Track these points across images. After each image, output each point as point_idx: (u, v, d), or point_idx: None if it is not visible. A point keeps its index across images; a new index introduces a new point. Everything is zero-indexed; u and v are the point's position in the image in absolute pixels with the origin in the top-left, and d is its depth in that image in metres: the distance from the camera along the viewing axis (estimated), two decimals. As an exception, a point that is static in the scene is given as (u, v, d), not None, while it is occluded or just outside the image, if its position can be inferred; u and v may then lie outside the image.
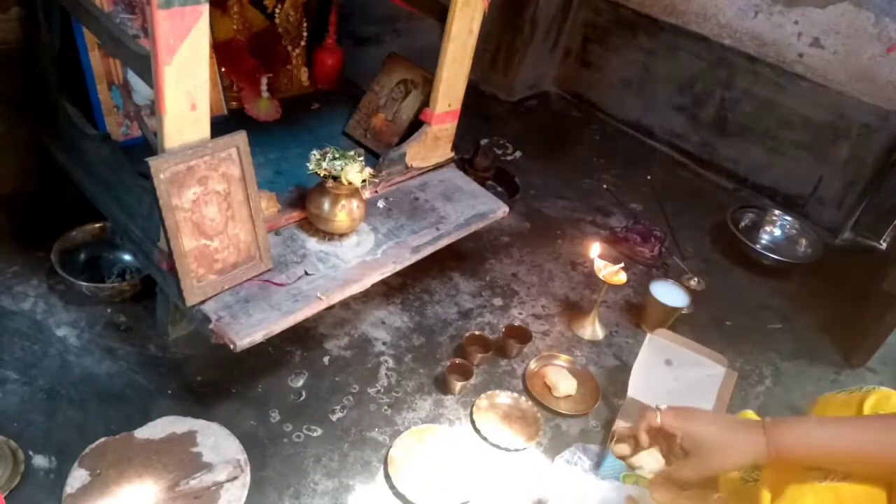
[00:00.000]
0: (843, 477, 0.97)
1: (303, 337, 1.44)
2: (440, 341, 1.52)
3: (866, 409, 1.01)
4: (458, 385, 1.38)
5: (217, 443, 1.18)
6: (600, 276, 1.56)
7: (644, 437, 1.04)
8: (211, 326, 1.13)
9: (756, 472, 1.20)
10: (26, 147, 1.55)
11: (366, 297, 1.55)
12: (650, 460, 1.29)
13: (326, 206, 1.32)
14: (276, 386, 1.33)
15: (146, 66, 1.01)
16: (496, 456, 1.30)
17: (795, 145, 2.26)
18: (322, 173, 1.29)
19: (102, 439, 1.15)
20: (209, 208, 1.13)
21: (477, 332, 1.50)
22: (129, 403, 1.24)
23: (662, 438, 1.03)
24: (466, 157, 1.97)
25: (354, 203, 1.34)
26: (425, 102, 1.57)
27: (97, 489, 1.08)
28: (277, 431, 1.25)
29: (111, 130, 1.42)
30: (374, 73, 1.72)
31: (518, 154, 2.34)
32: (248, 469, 1.15)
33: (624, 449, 1.25)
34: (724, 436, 0.97)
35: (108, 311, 1.40)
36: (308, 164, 1.30)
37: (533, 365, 1.49)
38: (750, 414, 1.33)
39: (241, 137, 1.14)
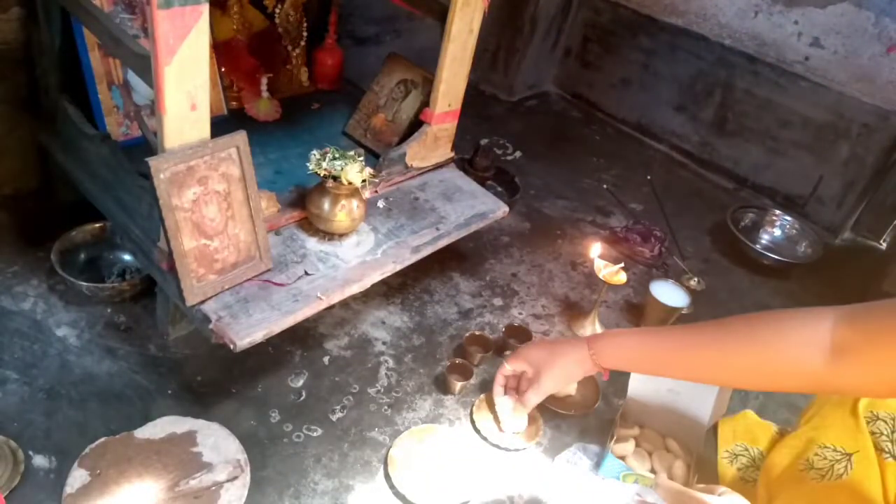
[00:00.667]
0: (839, 476, 0.98)
1: (303, 337, 1.44)
2: (440, 341, 1.53)
3: (861, 409, 1.01)
4: (458, 385, 1.38)
5: (217, 443, 1.18)
6: (600, 276, 1.56)
7: (497, 391, 1.24)
8: (211, 326, 1.13)
9: (755, 471, 1.20)
10: (26, 147, 1.55)
11: (366, 297, 1.55)
12: (640, 461, 1.29)
13: (326, 206, 1.32)
14: (276, 386, 1.33)
15: (146, 66, 1.01)
16: (496, 456, 1.30)
17: (795, 145, 2.26)
18: (322, 173, 1.29)
19: (102, 439, 1.15)
20: (209, 208, 1.13)
21: (477, 332, 1.50)
22: (129, 403, 1.24)
23: (517, 382, 1.22)
24: (466, 157, 1.97)
25: (354, 203, 1.34)
26: (425, 102, 1.57)
27: (97, 489, 1.08)
28: (277, 431, 1.25)
29: (111, 130, 1.42)
30: (374, 73, 1.72)
31: (518, 154, 2.35)
32: (248, 469, 1.15)
33: (623, 449, 1.25)
34: (553, 356, 1.11)
35: (108, 311, 1.40)
36: (308, 164, 1.30)
37: (533, 365, 1.49)
38: (751, 414, 1.33)
39: (241, 137, 1.14)
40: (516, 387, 1.23)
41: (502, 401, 1.26)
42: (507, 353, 1.21)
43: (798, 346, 0.84)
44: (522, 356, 1.17)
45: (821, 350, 0.82)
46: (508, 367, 1.19)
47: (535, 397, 1.16)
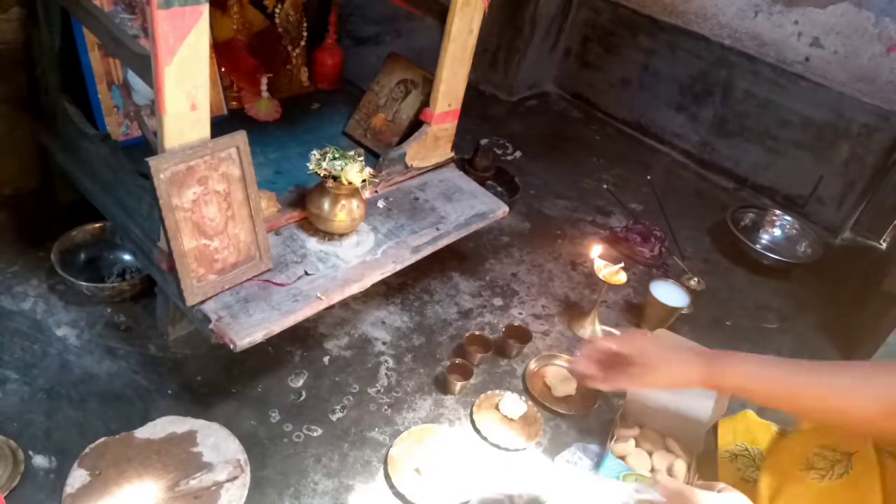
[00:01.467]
0: (839, 475, 0.98)
1: (303, 337, 1.44)
2: (440, 341, 1.52)
3: None
4: (458, 385, 1.38)
5: (217, 443, 1.18)
6: (600, 276, 1.56)
7: (600, 351, 1.07)
8: (211, 326, 1.13)
9: (756, 471, 1.20)
10: (26, 147, 1.55)
11: (366, 297, 1.55)
12: (640, 461, 1.29)
13: (326, 205, 1.32)
14: (276, 386, 1.33)
15: (146, 66, 1.01)
16: (496, 456, 1.30)
17: (795, 145, 2.26)
18: (322, 173, 1.29)
19: (102, 439, 1.15)
20: (209, 208, 1.13)
21: (477, 332, 1.50)
22: (129, 403, 1.24)
23: (612, 363, 1.05)
24: (466, 157, 1.97)
25: (354, 203, 1.34)
26: (425, 102, 1.57)
27: (97, 489, 1.08)
28: (277, 431, 1.25)
29: (111, 130, 1.42)
30: (374, 73, 1.72)
31: (518, 154, 2.35)
32: (248, 469, 1.15)
33: (623, 449, 1.25)
34: (671, 356, 1.02)
35: (108, 311, 1.40)
36: (308, 164, 1.30)
37: (533, 365, 1.49)
38: (751, 414, 1.33)
39: (241, 137, 1.14)
40: (601, 362, 1.08)
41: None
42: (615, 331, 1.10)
43: None
44: (637, 344, 1.04)
45: None
46: (614, 347, 1.06)
47: (630, 384, 1.07)
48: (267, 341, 1.16)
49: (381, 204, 1.50)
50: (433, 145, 1.60)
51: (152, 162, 1.03)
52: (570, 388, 1.44)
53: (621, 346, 1.05)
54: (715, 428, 1.34)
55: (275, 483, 1.16)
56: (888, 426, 0.85)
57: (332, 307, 1.31)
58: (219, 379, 1.32)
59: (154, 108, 1.05)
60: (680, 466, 1.27)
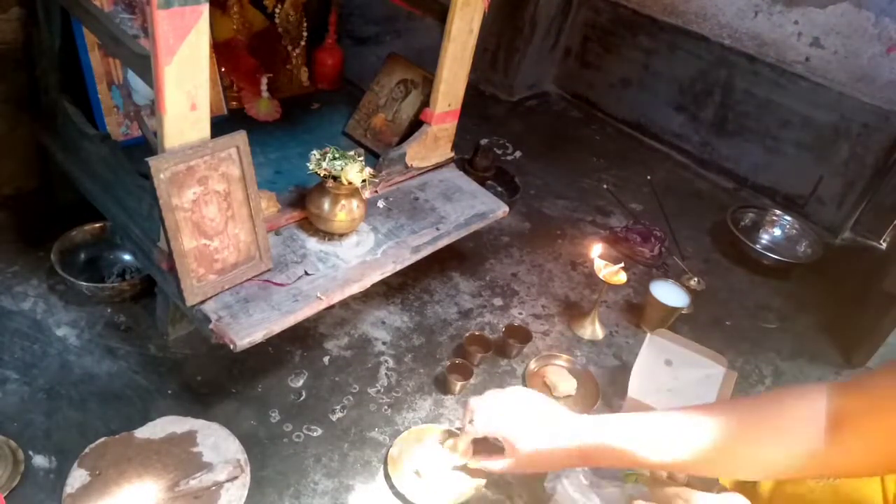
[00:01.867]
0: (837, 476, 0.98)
1: (303, 337, 1.44)
2: (440, 341, 1.52)
3: None
4: (458, 385, 1.38)
5: (217, 443, 1.18)
6: (600, 276, 1.56)
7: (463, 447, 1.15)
8: (211, 326, 1.13)
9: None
10: (26, 147, 1.55)
11: (366, 297, 1.55)
12: None
13: (326, 205, 1.32)
14: (276, 386, 1.33)
15: (146, 66, 1.01)
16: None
17: (795, 145, 2.26)
18: (322, 173, 1.29)
19: (102, 439, 1.15)
20: (209, 208, 1.13)
21: (477, 332, 1.50)
22: (129, 403, 1.24)
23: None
24: (466, 157, 1.97)
25: (354, 203, 1.34)
26: (425, 102, 1.57)
27: (97, 489, 1.08)
28: (277, 431, 1.25)
29: (111, 130, 1.42)
30: (374, 73, 1.72)
31: (518, 154, 2.35)
32: (248, 469, 1.15)
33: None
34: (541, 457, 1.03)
35: (108, 311, 1.40)
36: (308, 164, 1.30)
37: (533, 365, 1.49)
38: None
39: (241, 137, 1.14)
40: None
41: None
42: (472, 414, 1.10)
43: (796, 422, 0.81)
44: (493, 429, 1.08)
45: (817, 425, 0.79)
46: (476, 430, 1.11)
47: (508, 470, 1.09)
48: (267, 341, 1.16)
49: (381, 204, 1.50)
50: (433, 145, 1.60)
51: (152, 162, 1.03)
52: (570, 387, 1.44)
53: (485, 431, 1.10)
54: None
55: (275, 483, 1.16)
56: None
57: (332, 307, 1.31)
58: (219, 379, 1.32)
59: (154, 108, 1.05)
60: (680, 466, 1.27)
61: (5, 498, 1.05)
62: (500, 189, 2.04)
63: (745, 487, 1.18)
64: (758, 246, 2.03)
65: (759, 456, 0.83)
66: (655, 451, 0.92)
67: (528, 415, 1.06)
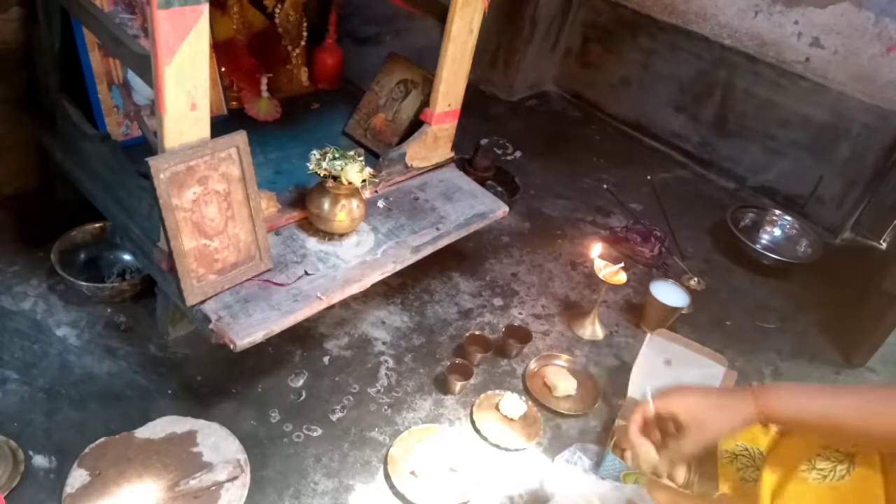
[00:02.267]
0: (841, 477, 0.97)
1: (303, 337, 1.44)
2: (440, 341, 1.52)
3: None
4: (458, 385, 1.38)
5: (217, 443, 1.18)
6: (600, 276, 1.56)
7: (635, 432, 1.03)
8: (211, 326, 1.13)
9: (756, 471, 1.20)
10: (26, 147, 1.55)
11: (366, 297, 1.55)
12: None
13: (326, 205, 1.32)
14: (276, 386, 1.33)
15: (146, 66, 1.01)
16: (496, 456, 1.30)
17: (795, 145, 2.26)
18: (322, 173, 1.29)
19: (102, 439, 1.15)
20: (209, 208, 1.13)
21: (477, 332, 1.50)
22: (129, 403, 1.24)
23: (655, 427, 1.04)
24: (466, 157, 1.97)
25: (354, 203, 1.34)
26: (425, 102, 1.57)
27: (97, 489, 1.08)
28: (277, 431, 1.25)
29: (111, 130, 1.42)
30: (374, 73, 1.72)
31: (518, 154, 2.35)
32: (248, 469, 1.15)
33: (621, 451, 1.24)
34: (714, 403, 1.00)
35: (108, 311, 1.40)
36: (308, 164, 1.30)
37: (533, 365, 1.49)
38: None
39: (241, 137, 1.14)
40: (653, 430, 1.06)
41: (643, 443, 1.03)
42: (649, 394, 1.02)
43: None
44: (677, 401, 1.02)
45: None
46: (652, 408, 1.03)
47: (692, 448, 1.01)
48: (267, 341, 1.16)
49: (381, 204, 1.50)
50: (433, 145, 1.60)
51: (152, 162, 1.03)
52: (570, 387, 1.44)
53: (661, 409, 1.03)
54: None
55: (275, 483, 1.16)
56: None
57: (332, 307, 1.31)
58: (219, 379, 1.32)
59: (154, 108, 1.05)
60: (680, 466, 1.27)
61: (5, 498, 1.05)
62: (500, 189, 2.03)
63: (747, 488, 1.18)
64: (758, 246, 2.03)
65: None
66: (839, 407, 0.95)
67: (707, 394, 1.05)
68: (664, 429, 1.04)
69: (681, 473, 1.25)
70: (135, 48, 1.06)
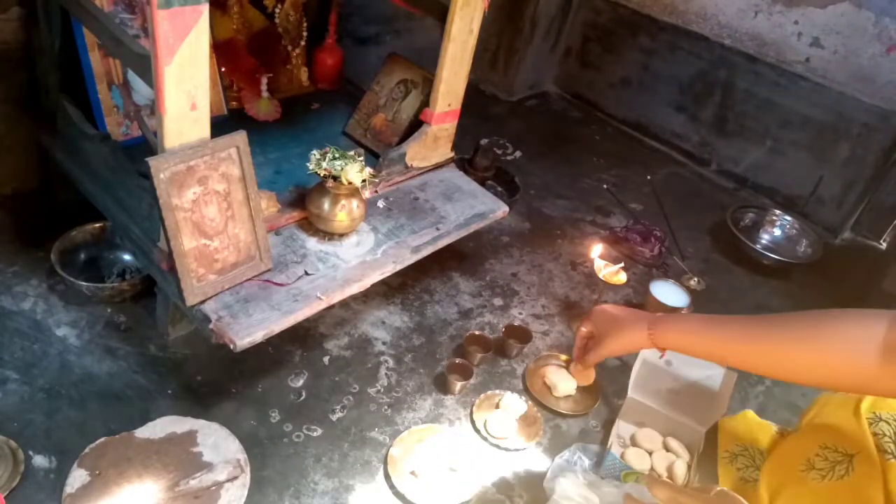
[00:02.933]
0: (840, 477, 0.98)
1: (303, 337, 1.44)
2: (440, 341, 1.52)
3: (863, 410, 1.01)
4: (458, 385, 1.38)
5: (217, 442, 1.18)
6: (600, 276, 1.56)
7: (580, 338, 1.25)
8: (211, 326, 1.13)
9: (755, 471, 1.20)
10: (26, 147, 1.55)
11: (366, 297, 1.55)
12: (637, 458, 1.30)
13: (326, 205, 1.32)
14: (276, 386, 1.33)
15: (146, 66, 1.01)
16: (496, 456, 1.30)
17: (795, 145, 2.26)
18: (322, 173, 1.29)
19: (102, 439, 1.15)
20: (209, 208, 1.13)
21: (477, 332, 1.50)
22: (129, 403, 1.24)
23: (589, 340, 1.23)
24: (466, 157, 1.97)
25: (354, 203, 1.34)
26: (425, 102, 1.57)
27: (97, 489, 1.08)
28: (277, 431, 1.25)
29: (111, 130, 1.42)
30: (374, 73, 1.72)
31: (518, 154, 2.35)
32: (248, 469, 1.15)
33: (623, 448, 1.24)
34: (616, 325, 1.14)
35: (108, 311, 1.40)
36: (308, 164, 1.30)
37: (533, 365, 1.50)
38: (751, 414, 1.33)
39: (241, 137, 1.14)
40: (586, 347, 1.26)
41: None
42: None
43: (853, 342, 0.85)
44: (592, 318, 1.21)
45: (875, 349, 0.83)
46: (583, 329, 1.23)
47: (592, 357, 1.20)
48: (267, 341, 1.16)
49: (381, 204, 1.50)
50: (433, 145, 1.60)
51: (152, 162, 1.03)
52: (570, 387, 1.44)
53: (587, 325, 1.22)
54: (715, 428, 1.34)
55: (275, 483, 1.16)
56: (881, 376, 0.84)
57: (332, 307, 1.31)
58: (219, 379, 1.32)
59: (154, 108, 1.05)
60: (680, 466, 1.27)
61: (5, 498, 1.05)
62: (500, 189, 2.03)
63: (746, 488, 1.18)
64: (758, 246, 2.03)
65: (819, 361, 0.88)
66: (724, 332, 1.00)
67: (615, 312, 1.19)
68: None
69: (680, 472, 1.26)
70: (135, 48, 1.06)
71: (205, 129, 1.09)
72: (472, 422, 1.34)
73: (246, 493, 1.12)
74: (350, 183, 1.29)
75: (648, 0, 2.49)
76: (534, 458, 1.31)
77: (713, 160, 2.47)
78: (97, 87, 1.39)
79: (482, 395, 1.39)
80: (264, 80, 1.67)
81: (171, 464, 1.13)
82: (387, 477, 1.21)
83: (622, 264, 1.59)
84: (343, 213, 1.32)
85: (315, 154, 1.30)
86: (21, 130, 1.52)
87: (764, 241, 2.11)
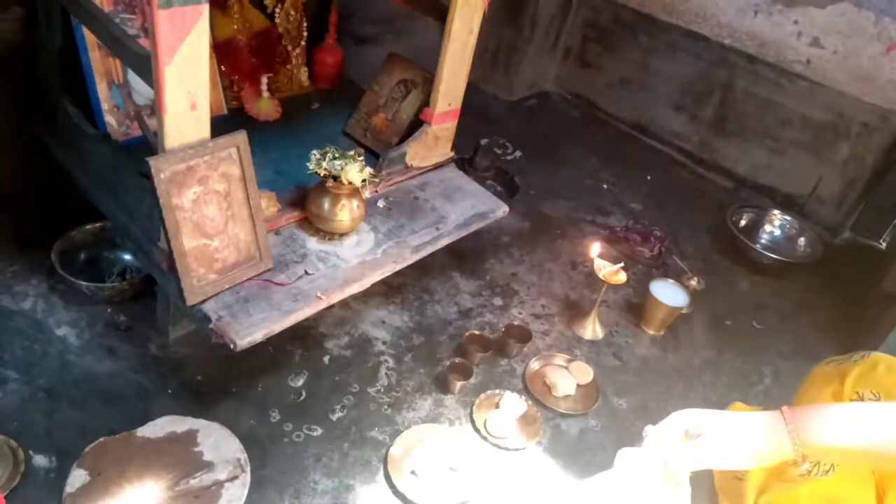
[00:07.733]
0: (825, 472, 0.97)
1: (303, 336, 1.44)
2: (440, 341, 1.53)
3: (848, 385, 1.01)
4: (458, 385, 1.38)
5: (217, 442, 1.18)
6: (600, 275, 1.56)
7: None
8: (211, 326, 1.13)
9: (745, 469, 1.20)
10: (26, 147, 1.55)
11: (366, 296, 1.55)
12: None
13: (326, 205, 1.32)
14: (276, 385, 1.34)
15: (146, 66, 1.01)
16: (496, 456, 1.30)
17: (795, 145, 2.26)
18: (322, 173, 1.29)
19: (102, 439, 1.15)
20: (209, 208, 1.13)
21: (477, 332, 1.50)
22: (129, 403, 1.24)
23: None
24: (466, 156, 1.97)
25: (354, 203, 1.34)
26: (425, 102, 1.57)
27: (97, 489, 1.08)
28: (277, 431, 1.25)
29: (111, 130, 1.42)
30: (374, 73, 1.72)
31: (518, 154, 2.34)
32: (248, 468, 1.16)
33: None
34: (732, 420, 0.87)
35: (108, 310, 1.40)
36: (308, 164, 1.30)
37: (533, 365, 1.50)
38: (739, 407, 1.33)
39: (241, 137, 1.14)
40: None
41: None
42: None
43: None
44: (693, 415, 0.90)
45: None
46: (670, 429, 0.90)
47: (688, 459, 0.87)
48: (267, 341, 1.16)
49: (381, 204, 1.50)
50: (433, 145, 1.60)
51: (152, 162, 1.03)
52: (570, 387, 1.44)
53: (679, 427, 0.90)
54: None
55: (275, 482, 1.16)
56: None
57: (332, 307, 1.31)
58: (219, 379, 1.32)
59: (154, 107, 1.05)
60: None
61: (5, 497, 1.05)
62: (500, 189, 2.04)
63: (736, 486, 1.17)
64: (757, 246, 2.03)
65: None
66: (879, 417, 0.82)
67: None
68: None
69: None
70: (135, 48, 1.06)
71: (205, 129, 1.09)
72: (472, 421, 1.34)
73: (246, 492, 1.12)
74: (350, 183, 1.29)
75: (648, 0, 2.49)
76: (534, 458, 1.31)
77: (713, 160, 2.47)
78: (97, 86, 1.39)
79: (482, 395, 1.39)
80: (264, 80, 1.67)
81: (172, 463, 1.13)
82: (387, 476, 1.21)
83: (622, 264, 1.59)
84: (343, 212, 1.32)
85: (315, 154, 1.30)
86: (21, 130, 1.52)
87: (763, 241, 2.11)
